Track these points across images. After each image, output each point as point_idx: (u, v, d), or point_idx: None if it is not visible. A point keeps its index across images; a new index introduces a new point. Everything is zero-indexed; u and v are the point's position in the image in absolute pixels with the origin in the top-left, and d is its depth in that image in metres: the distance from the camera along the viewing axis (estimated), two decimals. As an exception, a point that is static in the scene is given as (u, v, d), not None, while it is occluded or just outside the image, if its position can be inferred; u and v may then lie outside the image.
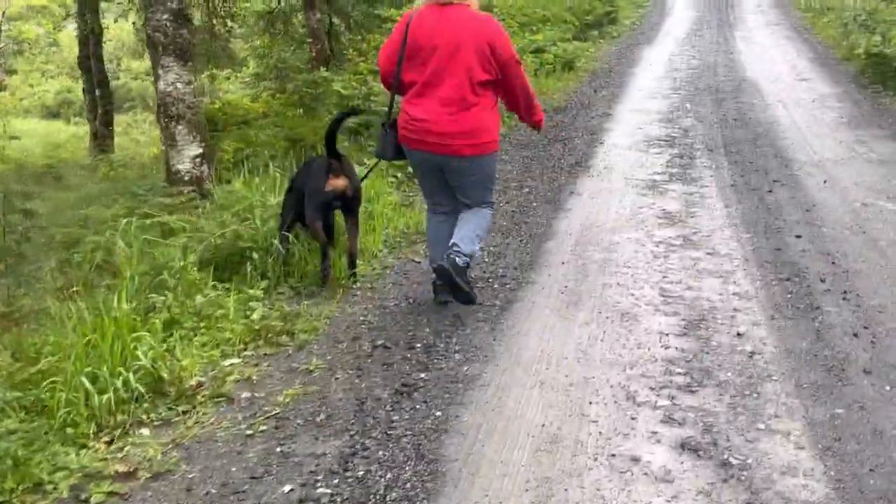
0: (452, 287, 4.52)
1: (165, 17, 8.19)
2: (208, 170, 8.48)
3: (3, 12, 38.76)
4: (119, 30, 26.15)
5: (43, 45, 41.41)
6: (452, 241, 4.60)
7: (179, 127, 8.28)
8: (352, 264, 5.36)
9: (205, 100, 25.92)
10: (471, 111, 4.47)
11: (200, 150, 8.41)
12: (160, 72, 8.27)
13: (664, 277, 5.19)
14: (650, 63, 15.83)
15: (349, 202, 5.25)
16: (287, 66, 21.12)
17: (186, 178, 8.34)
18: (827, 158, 8.33)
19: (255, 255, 5.36)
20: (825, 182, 7.45)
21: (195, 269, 5.14)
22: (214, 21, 19.31)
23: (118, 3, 19.32)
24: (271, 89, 19.15)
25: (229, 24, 19.71)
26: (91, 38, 18.44)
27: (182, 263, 5.12)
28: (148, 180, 9.53)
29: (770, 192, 7.14)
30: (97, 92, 18.74)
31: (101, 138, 18.64)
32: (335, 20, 24.41)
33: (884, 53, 12.92)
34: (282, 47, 22.36)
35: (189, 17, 8.37)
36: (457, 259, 4.49)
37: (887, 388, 3.79)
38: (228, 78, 28.66)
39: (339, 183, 5.14)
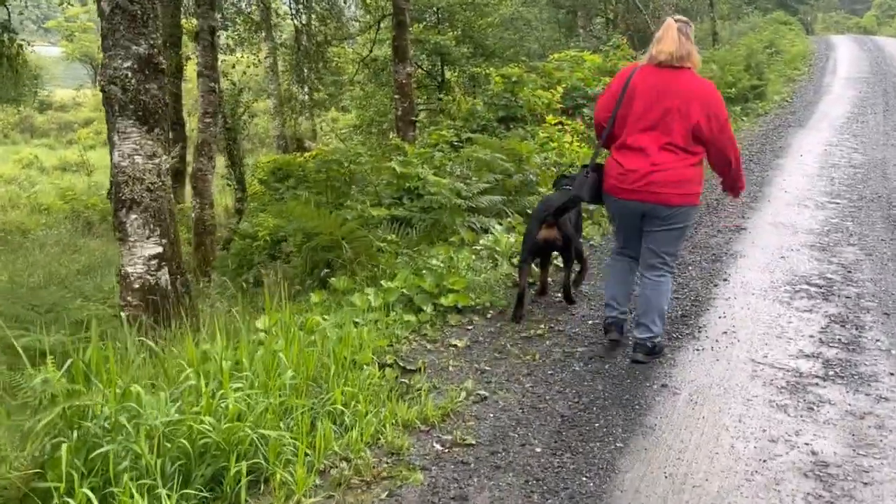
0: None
1: (127, 64, 6.02)
2: (168, 277, 6.22)
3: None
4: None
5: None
6: (640, 321, 5.00)
7: (133, 216, 6.06)
8: (567, 298, 6.19)
9: (314, 145, 24.26)
10: (681, 164, 4.73)
11: (159, 249, 6.17)
12: (115, 138, 6.08)
13: None
14: (801, 153, 12.92)
15: (557, 248, 5.96)
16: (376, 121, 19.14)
17: (136, 287, 6.11)
18: None
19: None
20: None
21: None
22: (305, 68, 17.38)
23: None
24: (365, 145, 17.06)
25: (321, 69, 17.62)
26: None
27: None
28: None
29: None
30: (170, 134, 17.03)
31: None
32: (448, 73, 22.35)
33: None
34: (381, 99, 20.43)
35: (160, 66, 6.14)
36: (647, 344, 4.98)
37: None
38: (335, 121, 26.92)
39: (549, 234, 5.75)
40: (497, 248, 7.39)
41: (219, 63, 15.73)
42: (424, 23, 20.43)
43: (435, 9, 21.28)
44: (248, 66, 17.58)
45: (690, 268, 7.04)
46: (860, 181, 10.95)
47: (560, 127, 12.38)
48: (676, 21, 4.90)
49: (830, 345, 5.28)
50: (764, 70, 20.77)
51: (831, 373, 4.82)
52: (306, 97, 18.00)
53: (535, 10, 24.29)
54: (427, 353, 5.22)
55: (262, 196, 13.55)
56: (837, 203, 9.63)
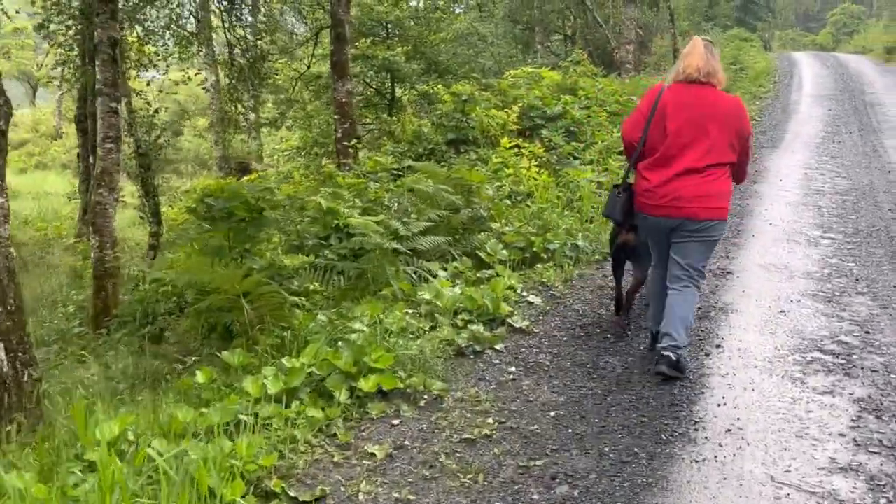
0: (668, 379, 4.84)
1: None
2: (4, 357, 4.82)
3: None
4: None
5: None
6: (665, 331, 4.85)
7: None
8: (627, 304, 5.89)
9: (258, 166, 22.73)
10: (710, 178, 4.76)
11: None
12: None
13: None
14: (779, 178, 11.75)
15: (631, 253, 5.61)
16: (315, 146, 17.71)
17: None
18: None
19: None
20: None
21: None
22: (240, 86, 15.91)
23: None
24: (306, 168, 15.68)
25: (258, 87, 16.10)
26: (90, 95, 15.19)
27: None
28: None
29: None
30: (90, 159, 15.44)
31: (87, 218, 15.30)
32: (399, 91, 20.98)
33: None
34: (326, 119, 19.01)
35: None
36: (672, 355, 4.78)
37: None
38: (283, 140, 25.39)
39: (628, 238, 5.47)
40: (437, 304, 6.05)
41: (138, 79, 14.27)
42: (372, 38, 19.09)
43: (384, 23, 19.99)
44: (177, 84, 16.11)
45: (673, 328, 5.74)
46: (851, 210, 9.77)
47: (516, 150, 11.10)
48: (703, 40, 5.01)
49: (870, 449, 3.97)
50: (731, 87, 19.72)
51: (883, 501, 3.51)
52: (241, 117, 16.43)
53: (490, 26, 23.07)
54: (332, 470, 3.84)
55: (185, 228, 12.06)
56: (832, 238, 8.41)
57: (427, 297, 6.19)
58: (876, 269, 7.25)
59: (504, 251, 7.48)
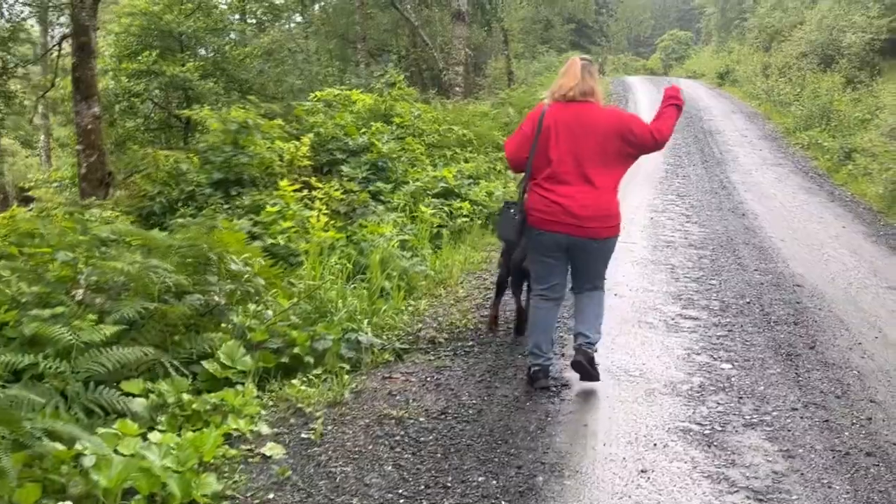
0: (585, 375, 4.98)
1: None
2: None
3: None
4: None
5: None
6: (579, 331, 5.04)
7: None
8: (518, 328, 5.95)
9: (42, 196, 19.45)
10: (605, 197, 4.83)
11: None
12: None
13: None
14: (622, 224, 9.87)
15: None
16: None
17: None
18: None
19: None
20: None
21: None
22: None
23: None
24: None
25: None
26: None
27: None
28: None
29: None
30: None
31: None
32: (195, 107, 18.26)
33: None
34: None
35: None
36: (589, 350, 4.99)
37: None
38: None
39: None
40: (98, 480, 3.58)
41: None
42: (159, 50, 16.37)
43: (176, 34, 17.29)
44: None
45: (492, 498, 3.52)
46: (710, 272, 7.96)
47: (306, 193, 8.73)
48: (581, 59, 5.01)
49: None
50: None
51: None
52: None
53: (301, 41, 20.66)
54: None
55: None
56: (694, 319, 6.49)
57: (87, 462, 3.72)
58: (760, 375, 5.30)
59: (248, 358, 5.11)
